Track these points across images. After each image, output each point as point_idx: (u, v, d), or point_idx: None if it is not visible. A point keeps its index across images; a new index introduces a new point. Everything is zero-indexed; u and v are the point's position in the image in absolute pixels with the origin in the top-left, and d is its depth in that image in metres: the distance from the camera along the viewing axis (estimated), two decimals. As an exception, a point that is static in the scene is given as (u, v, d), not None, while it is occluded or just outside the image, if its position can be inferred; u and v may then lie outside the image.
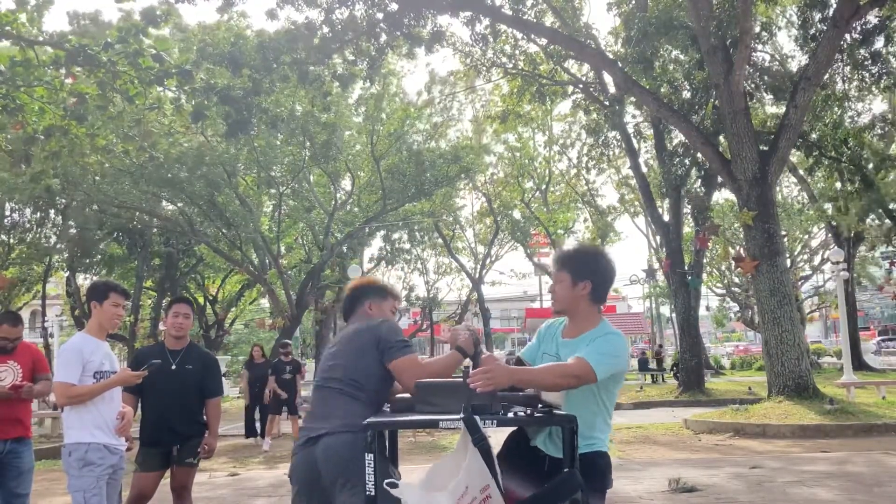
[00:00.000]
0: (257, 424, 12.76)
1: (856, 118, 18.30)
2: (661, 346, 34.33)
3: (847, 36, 13.79)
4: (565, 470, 2.46)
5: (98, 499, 3.84)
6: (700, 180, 19.46)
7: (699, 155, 16.58)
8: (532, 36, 17.46)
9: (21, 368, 4.63)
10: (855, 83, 16.45)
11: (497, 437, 2.71)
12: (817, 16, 14.55)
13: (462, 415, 2.41)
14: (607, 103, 18.70)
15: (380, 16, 13.17)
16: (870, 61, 15.21)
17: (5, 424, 4.51)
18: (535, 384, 2.63)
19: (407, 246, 30.72)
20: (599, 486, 2.70)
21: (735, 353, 41.59)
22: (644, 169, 20.54)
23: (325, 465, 2.74)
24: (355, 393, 2.84)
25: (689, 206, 19.60)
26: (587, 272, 2.82)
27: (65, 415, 3.99)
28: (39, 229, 24.26)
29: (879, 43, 15.24)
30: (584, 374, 2.57)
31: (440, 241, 31.35)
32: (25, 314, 35.25)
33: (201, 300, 30.40)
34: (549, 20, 18.14)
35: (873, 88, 16.76)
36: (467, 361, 2.90)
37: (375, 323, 2.99)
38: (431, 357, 3.23)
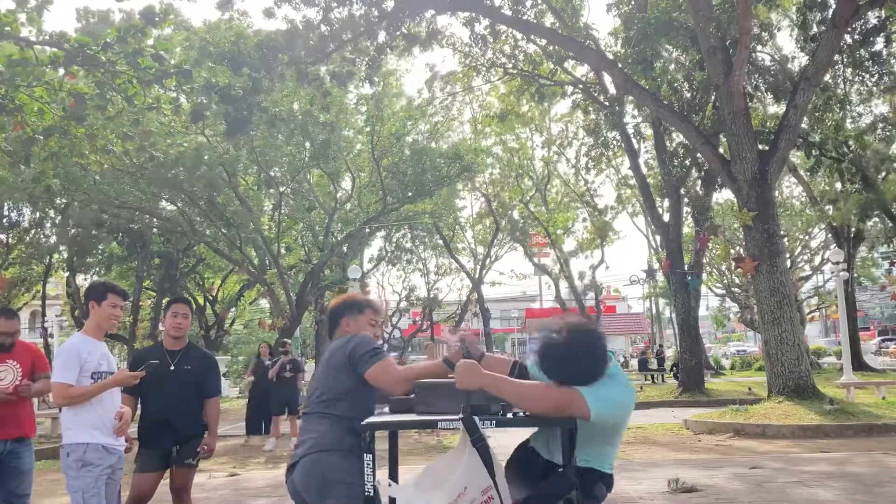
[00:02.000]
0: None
1: (857, 119, 18.29)
2: (661, 346, 34.29)
3: (847, 37, 13.79)
4: (559, 469, 2.44)
5: (97, 499, 3.83)
6: (700, 180, 19.46)
7: (699, 155, 16.57)
8: (532, 36, 17.46)
9: (21, 367, 4.61)
10: (856, 85, 16.45)
11: (497, 437, 2.70)
12: (817, 16, 14.55)
13: (461, 415, 2.40)
14: (607, 104, 18.70)
15: (377, 14, 13.17)
16: (870, 62, 15.21)
17: (6, 425, 4.49)
18: (512, 398, 2.44)
19: (408, 245, 30.74)
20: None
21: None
22: (644, 169, 20.54)
23: (302, 487, 2.87)
24: (326, 411, 2.93)
25: (689, 207, 19.60)
26: (591, 374, 2.58)
27: (63, 415, 3.99)
28: (39, 229, 24.26)
29: (879, 44, 15.25)
30: (570, 406, 2.38)
31: (440, 241, 31.36)
32: (25, 314, 35.25)
33: (201, 300, 30.39)
34: (548, 21, 18.15)
35: (874, 90, 16.76)
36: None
37: (345, 341, 3.06)
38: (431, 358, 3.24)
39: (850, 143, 17.81)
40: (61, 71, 8.86)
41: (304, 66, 12.64)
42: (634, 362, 30.40)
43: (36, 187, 15.88)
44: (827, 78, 14.70)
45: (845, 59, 15.07)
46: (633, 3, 16.39)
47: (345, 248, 25.18)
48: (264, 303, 34.78)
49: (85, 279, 26.60)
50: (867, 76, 15.64)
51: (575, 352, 2.46)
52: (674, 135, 18.66)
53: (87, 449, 3.85)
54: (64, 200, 20.95)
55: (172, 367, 4.56)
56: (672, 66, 17.18)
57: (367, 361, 2.94)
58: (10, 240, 23.71)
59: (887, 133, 19.32)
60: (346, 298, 3.40)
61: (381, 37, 13.47)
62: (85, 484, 3.82)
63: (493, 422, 2.43)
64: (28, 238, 24.12)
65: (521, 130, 28.18)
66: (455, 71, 20.69)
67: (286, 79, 13.54)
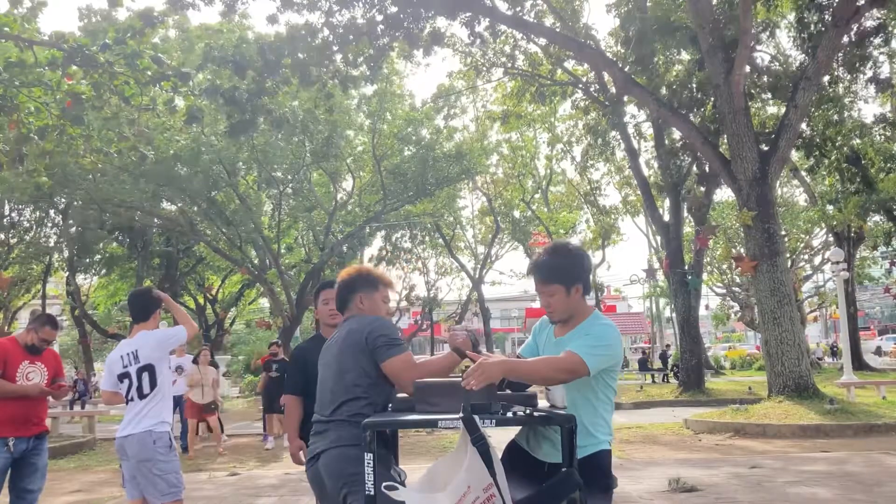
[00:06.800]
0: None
1: (856, 118, 18.26)
2: (668, 345, 34.10)
3: (846, 37, 13.78)
4: (563, 469, 2.43)
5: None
6: (700, 180, 19.47)
7: (699, 155, 16.56)
8: (532, 36, 17.44)
9: (47, 370, 4.84)
10: (857, 85, 16.44)
11: (497, 436, 2.68)
12: (816, 16, 14.54)
13: (461, 414, 2.40)
14: (607, 103, 18.69)
15: (379, 18, 13.16)
16: (865, 62, 15.20)
17: (29, 422, 4.67)
18: (528, 376, 2.59)
19: (408, 245, 30.74)
20: (604, 486, 2.64)
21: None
22: (644, 169, 20.53)
23: (327, 478, 2.83)
24: (349, 419, 2.79)
25: (689, 206, 19.59)
26: (576, 276, 2.75)
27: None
28: (39, 229, 24.28)
29: (876, 45, 15.23)
30: (575, 368, 2.54)
31: (441, 241, 31.35)
32: (25, 314, 35.27)
33: (201, 300, 30.42)
34: (548, 21, 18.14)
35: (869, 87, 16.77)
36: (468, 362, 2.86)
37: (364, 324, 2.90)
38: (432, 356, 3.19)
39: (851, 141, 17.78)
40: (59, 72, 8.85)
41: (306, 68, 12.62)
42: (635, 362, 30.32)
43: (30, 183, 15.90)
44: (826, 78, 14.69)
45: (842, 59, 15.05)
46: (632, 2, 16.38)
47: (345, 248, 25.17)
48: (264, 302, 34.82)
49: (85, 279, 26.60)
50: (861, 76, 15.66)
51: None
52: (674, 134, 18.64)
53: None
54: (64, 200, 20.96)
55: None
56: (672, 66, 17.17)
57: (389, 350, 2.80)
58: (10, 239, 23.72)
59: (887, 133, 19.30)
60: (361, 271, 3.14)
61: (384, 40, 13.46)
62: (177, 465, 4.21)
63: (494, 421, 2.42)
64: (28, 238, 24.14)
65: (525, 129, 28.12)
66: (456, 71, 20.71)
67: (290, 81, 13.53)
